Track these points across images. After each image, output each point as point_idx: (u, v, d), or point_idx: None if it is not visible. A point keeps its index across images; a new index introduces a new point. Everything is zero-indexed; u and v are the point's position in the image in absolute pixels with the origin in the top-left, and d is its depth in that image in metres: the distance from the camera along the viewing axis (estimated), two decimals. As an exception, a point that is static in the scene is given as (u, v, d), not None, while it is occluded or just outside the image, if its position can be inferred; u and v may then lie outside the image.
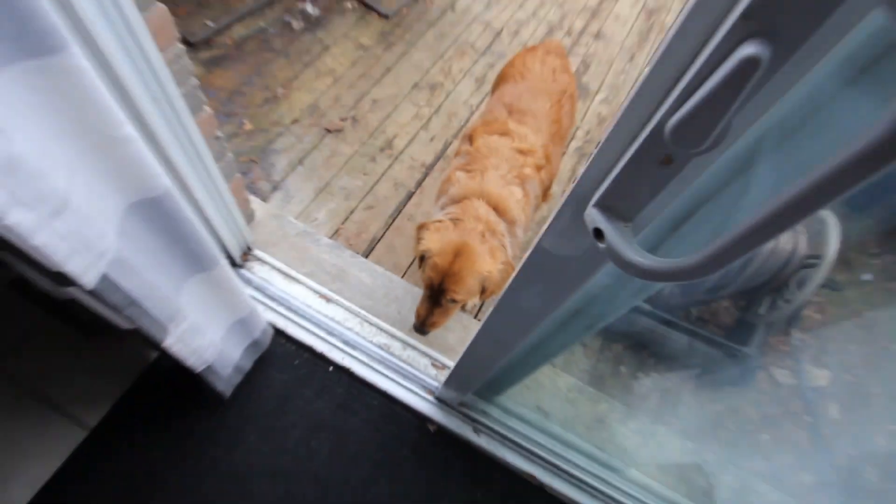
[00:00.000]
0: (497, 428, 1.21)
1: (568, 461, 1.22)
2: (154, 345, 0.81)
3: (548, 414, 1.31)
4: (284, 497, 1.13)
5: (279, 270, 1.35)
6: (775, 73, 0.22)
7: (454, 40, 2.43)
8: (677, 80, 0.25)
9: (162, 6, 0.87)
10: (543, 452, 1.21)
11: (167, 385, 1.17)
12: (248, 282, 1.30)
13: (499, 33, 2.53)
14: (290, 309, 1.29)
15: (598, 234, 0.35)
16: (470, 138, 1.38)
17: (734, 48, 0.22)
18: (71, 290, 0.77)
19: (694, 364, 1.63)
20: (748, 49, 0.21)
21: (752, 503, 1.37)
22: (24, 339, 1.20)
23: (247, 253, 1.34)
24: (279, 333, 1.28)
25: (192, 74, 1.02)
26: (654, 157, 0.29)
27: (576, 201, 0.37)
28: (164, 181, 0.68)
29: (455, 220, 1.18)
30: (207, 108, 1.09)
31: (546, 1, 2.74)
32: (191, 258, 0.82)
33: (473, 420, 1.22)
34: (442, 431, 1.24)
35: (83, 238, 0.57)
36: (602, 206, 0.35)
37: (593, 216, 0.35)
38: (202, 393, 1.16)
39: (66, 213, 0.54)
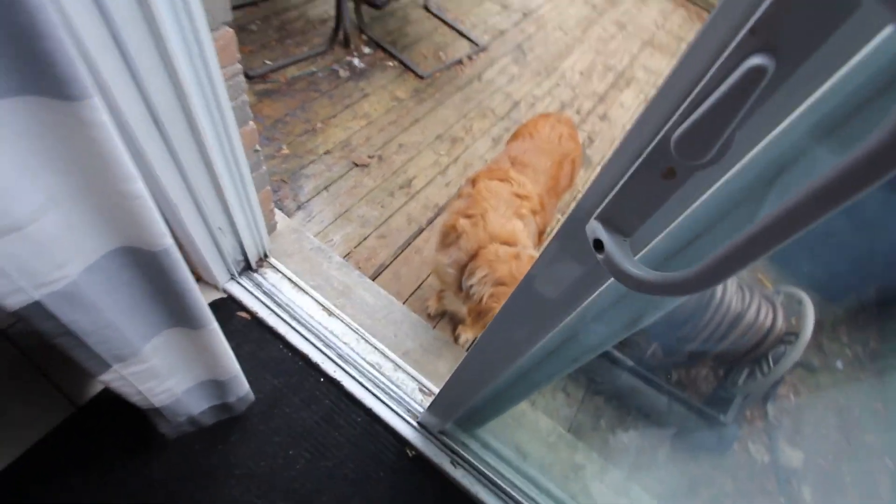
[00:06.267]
0: (475, 462, 1.14)
1: (540, 506, 1.14)
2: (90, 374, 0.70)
3: (526, 456, 1.24)
4: None
5: (289, 280, 1.33)
6: (779, 86, 0.23)
7: (477, 104, 2.53)
8: (686, 94, 0.26)
9: (230, 30, 0.92)
10: (518, 495, 1.13)
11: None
12: (258, 286, 1.29)
13: (517, 104, 2.64)
14: (292, 317, 1.27)
15: (598, 245, 0.34)
16: (473, 182, 1.40)
17: (741, 61, 0.22)
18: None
19: (672, 425, 1.55)
20: (754, 60, 0.22)
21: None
22: None
23: (262, 259, 1.33)
24: (278, 339, 1.25)
25: (244, 92, 1.06)
26: (657, 169, 0.29)
27: (579, 215, 0.37)
28: (167, 241, 0.61)
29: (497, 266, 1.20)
30: (252, 124, 1.12)
31: (561, 83, 2.88)
32: (176, 313, 0.73)
33: (452, 451, 1.16)
34: (420, 458, 1.17)
35: (22, 264, 0.50)
36: (603, 218, 0.34)
37: (594, 228, 0.34)
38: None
39: (12, 237, 0.48)
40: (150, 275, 0.63)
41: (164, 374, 0.78)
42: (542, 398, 1.60)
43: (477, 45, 2.75)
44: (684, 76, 0.25)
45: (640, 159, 0.29)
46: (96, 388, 1.11)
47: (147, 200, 0.54)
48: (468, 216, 1.31)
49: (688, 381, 1.75)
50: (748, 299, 1.38)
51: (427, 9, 2.83)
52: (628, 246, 0.33)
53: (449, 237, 1.29)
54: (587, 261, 0.40)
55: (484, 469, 1.13)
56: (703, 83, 0.24)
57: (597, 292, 0.45)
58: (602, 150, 2.49)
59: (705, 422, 1.51)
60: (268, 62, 2.23)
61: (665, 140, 0.27)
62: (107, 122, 0.45)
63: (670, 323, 1.46)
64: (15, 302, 0.50)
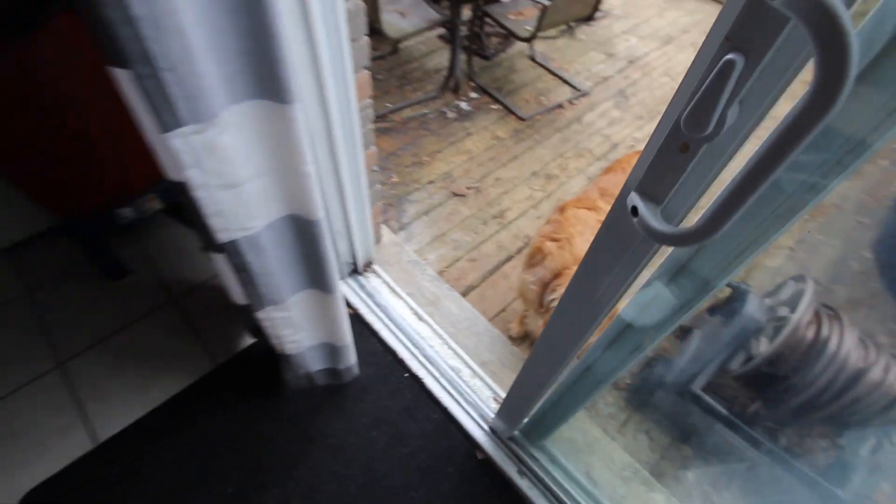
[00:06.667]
0: (541, 474, 1.16)
1: (608, 538, 1.11)
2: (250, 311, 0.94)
3: (596, 483, 1.22)
4: (338, 473, 1.20)
5: (387, 285, 1.53)
6: (751, 75, 0.32)
7: (575, 145, 2.63)
8: (691, 86, 0.35)
9: (367, 73, 1.18)
10: (583, 517, 1.12)
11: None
12: (362, 287, 1.50)
13: (616, 145, 2.69)
14: (388, 317, 1.45)
15: (634, 211, 0.44)
16: (561, 209, 1.49)
17: (721, 58, 0.32)
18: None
19: (773, 491, 1.39)
20: (728, 56, 0.31)
21: None
22: (197, 279, 1.53)
23: (368, 265, 1.56)
24: (373, 334, 1.43)
25: (370, 122, 1.32)
26: (675, 144, 0.38)
27: (625, 192, 0.46)
28: (320, 214, 0.81)
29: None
30: (373, 147, 1.37)
31: (669, 126, 2.87)
32: (315, 275, 0.93)
33: (520, 460, 1.20)
34: (488, 462, 1.23)
35: (233, 210, 0.71)
36: (640, 190, 0.43)
37: (632, 198, 0.44)
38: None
39: (233, 191, 0.69)
40: (304, 240, 0.84)
41: (297, 325, 0.99)
42: (622, 437, 1.55)
43: (579, 90, 2.89)
44: (692, 74, 0.35)
45: (662, 138, 0.39)
46: (233, 349, 1.39)
47: (314, 179, 0.75)
48: (555, 239, 1.39)
49: (801, 448, 1.55)
50: (873, 356, 1.23)
51: (533, 59, 3.07)
52: (659, 212, 0.42)
53: (535, 258, 1.38)
54: (630, 239, 0.49)
55: (550, 483, 1.15)
56: (700, 76, 0.34)
57: (640, 270, 0.52)
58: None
59: (817, 495, 1.33)
60: (388, 105, 2.61)
61: (678, 121, 0.37)
62: (301, 119, 0.66)
63: (774, 376, 1.35)
64: (223, 237, 0.73)
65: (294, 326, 0.99)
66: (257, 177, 0.71)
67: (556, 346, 0.74)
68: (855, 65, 0.25)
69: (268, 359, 1.35)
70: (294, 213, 0.80)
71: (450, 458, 1.24)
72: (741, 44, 0.31)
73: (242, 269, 0.79)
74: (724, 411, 1.39)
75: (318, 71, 0.95)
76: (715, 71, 0.32)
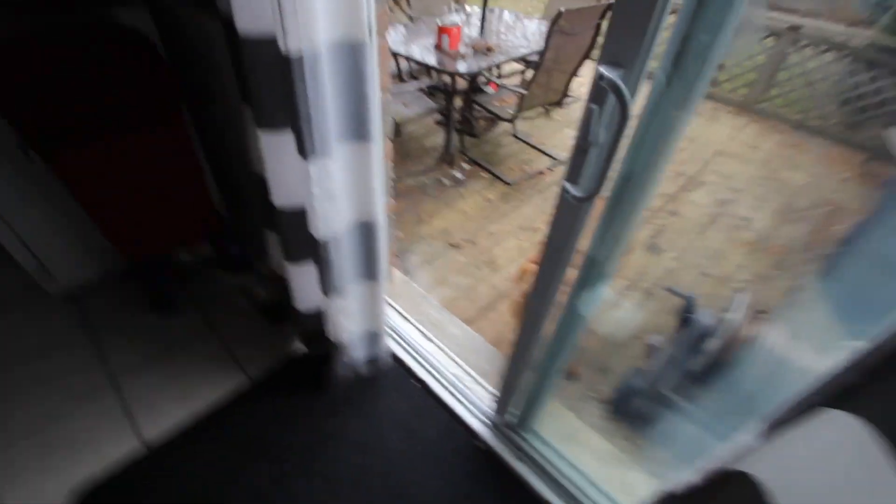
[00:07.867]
0: (534, 456, 1.38)
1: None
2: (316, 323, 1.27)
3: (581, 465, 1.44)
4: (360, 466, 1.41)
5: (398, 312, 1.83)
6: (602, 115, 0.68)
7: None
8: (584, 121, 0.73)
9: (389, 143, 1.60)
10: (574, 490, 1.33)
11: (306, 368, 1.64)
12: (378, 312, 1.80)
13: (593, 205, 3.14)
14: (400, 337, 1.73)
15: (566, 190, 0.79)
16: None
17: (588, 107, 0.69)
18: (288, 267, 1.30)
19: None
20: (589, 105, 0.68)
21: None
22: (235, 316, 1.81)
23: (382, 296, 1.87)
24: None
25: (392, 178, 1.71)
26: (580, 150, 0.75)
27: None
28: (380, 218, 1.17)
29: None
30: (392, 200, 1.75)
31: (636, 189, 3.35)
32: (371, 268, 1.28)
33: (516, 446, 1.42)
34: (489, 451, 1.44)
35: (329, 216, 1.06)
36: (567, 178, 0.79)
37: (563, 183, 0.80)
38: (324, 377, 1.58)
39: (331, 202, 1.04)
40: (366, 240, 1.17)
41: (350, 314, 1.30)
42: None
43: (556, 159, 3.41)
44: (583, 115, 0.72)
45: (574, 147, 0.76)
46: (267, 365, 1.64)
47: (378, 193, 1.09)
48: (537, 263, 1.74)
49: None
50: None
51: (515, 136, 3.64)
52: (577, 188, 0.78)
53: (521, 278, 1.72)
54: (569, 205, 0.84)
55: (543, 464, 1.37)
56: (584, 116, 0.71)
57: (579, 230, 0.87)
58: (672, 240, 2.80)
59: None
60: (392, 176, 3.07)
61: (578, 139, 0.74)
62: (375, 151, 1.02)
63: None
64: (321, 235, 1.07)
65: (347, 315, 1.30)
66: (344, 192, 1.07)
67: (537, 307, 1.06)
68: (631, 107, 0.62)
69: (297, 372, 1.61)
70: (364, 219, 1.14)
71: (458, 451, 1.46)
72: (595, 99, 0.69)
73: (325, 263, 1.13)
74: (685, 404, 1.64)
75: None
76: (585, 113, 0.69)
